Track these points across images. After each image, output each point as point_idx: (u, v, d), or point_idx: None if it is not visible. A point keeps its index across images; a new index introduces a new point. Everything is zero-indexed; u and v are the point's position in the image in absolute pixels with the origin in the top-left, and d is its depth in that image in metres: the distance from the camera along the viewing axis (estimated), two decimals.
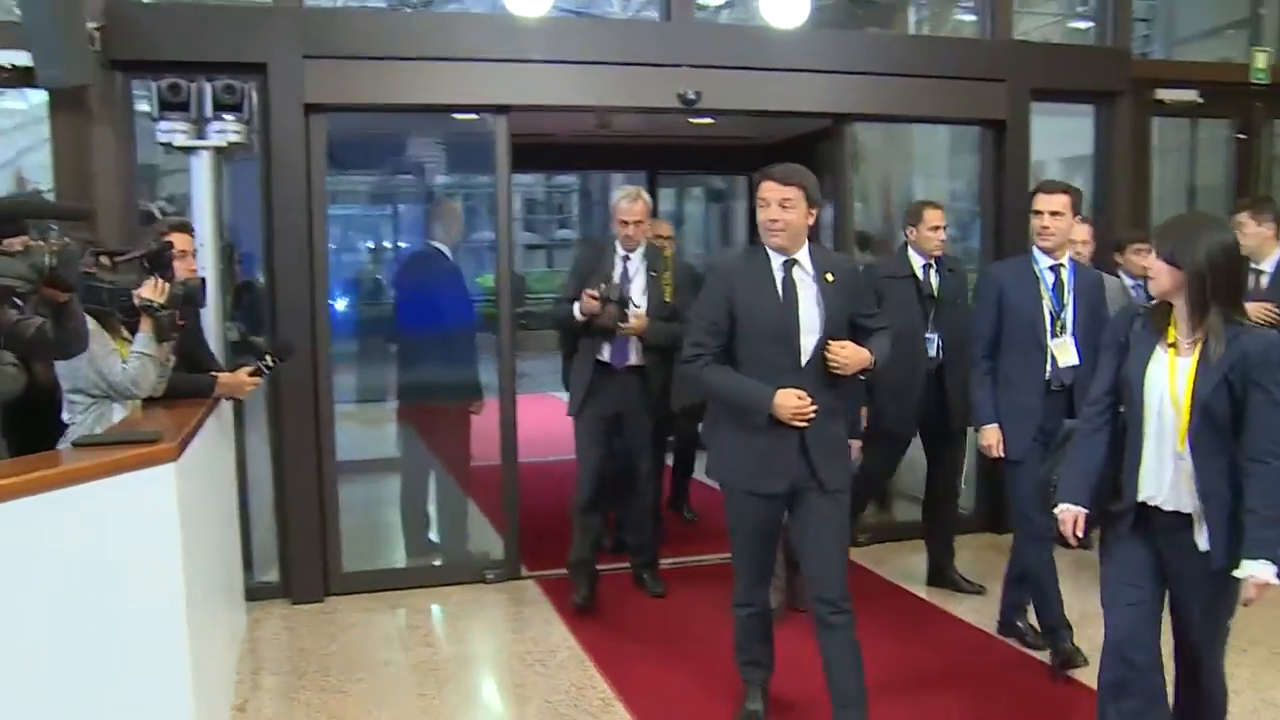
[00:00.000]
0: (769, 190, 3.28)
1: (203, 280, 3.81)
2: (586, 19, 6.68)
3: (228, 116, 4.79)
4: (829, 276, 3.32)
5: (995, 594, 4.68)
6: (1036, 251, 4.14)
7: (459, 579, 5.39)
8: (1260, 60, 6.60)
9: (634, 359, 4.83)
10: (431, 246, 5.80)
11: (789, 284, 3.31)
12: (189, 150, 4.81)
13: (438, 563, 5.62)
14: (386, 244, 7.51)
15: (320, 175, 5.07)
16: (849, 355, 3.28)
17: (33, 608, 2.45)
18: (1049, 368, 4.06)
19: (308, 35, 4.96)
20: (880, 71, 5.79)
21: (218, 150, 4.82)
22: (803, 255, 3.33)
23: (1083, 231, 4.84)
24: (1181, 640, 2.87)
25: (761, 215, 3.29)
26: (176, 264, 3.66)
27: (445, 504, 5.80)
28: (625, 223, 4.81)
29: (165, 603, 2.85)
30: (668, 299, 4.86)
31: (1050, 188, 4.13)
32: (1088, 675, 3.87)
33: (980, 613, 4.80)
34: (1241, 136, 6.67)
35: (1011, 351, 4.14)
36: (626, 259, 4.87)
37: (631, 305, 4.75)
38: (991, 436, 4.17)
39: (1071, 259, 4.19)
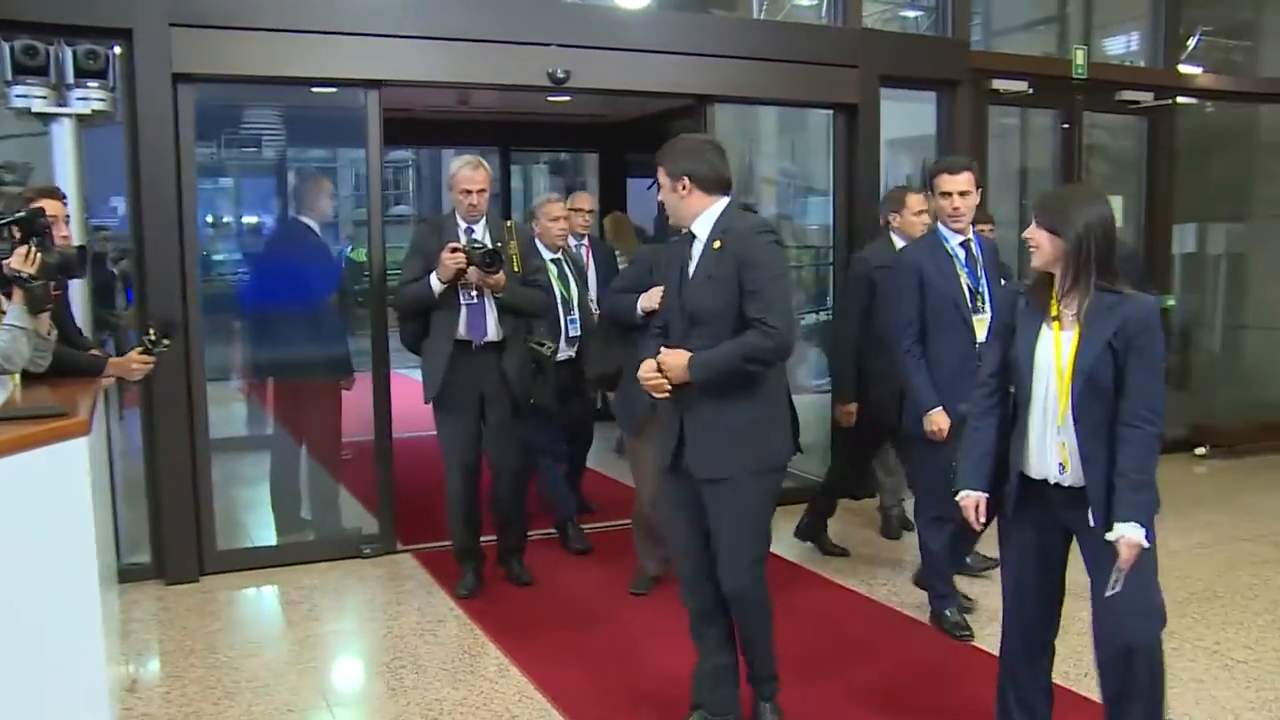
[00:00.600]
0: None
1: (80, 248, 3.66)
2: None
3: (91, 83, 4.64)
4: (716, 244, 3.16)
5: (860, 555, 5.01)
6: (943, 230, 4.19)
7: (335, 555, 5.39)
8: (1079, 57, 7.17)
9: (492, 334, 4.67)
10: (299, 222, 5.73)
11: (683, 257, 3.26)
12: (48, 117, 4.64)
13: (311, 538, 5.59)
14: (253, 218, 7.31)
15: (189, 147, 4.94)
16: (666, 365, 3.17)
17: None
18: (976, 344, 4.03)
19: (176, 1, 4.82)
20: (742, 55, 6.01)
21: (79, 118, 4.67)
22: (700, 224, 3.20)
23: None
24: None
25: None
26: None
27: (317, 481, 5.76)
28: (468, 191, 4.62)
29: (78, 582, 2.80)
30: (516, 269, 4.71)
31: (954, 167, 4.17)
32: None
33: (847, 574, 5.13)
34: (1065, 125, 7.21)
35: (937, 332, 4.14)
36: (470, 231, 4.69)
37: (502, 251, 4.57)
38: (940, 420, 4.10)
39: (975, 232, 4.25)
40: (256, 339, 6.06)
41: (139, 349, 3.79)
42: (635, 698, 3.79)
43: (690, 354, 3.14)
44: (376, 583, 5.10)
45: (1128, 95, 7.39)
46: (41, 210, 3.52)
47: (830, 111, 6.49)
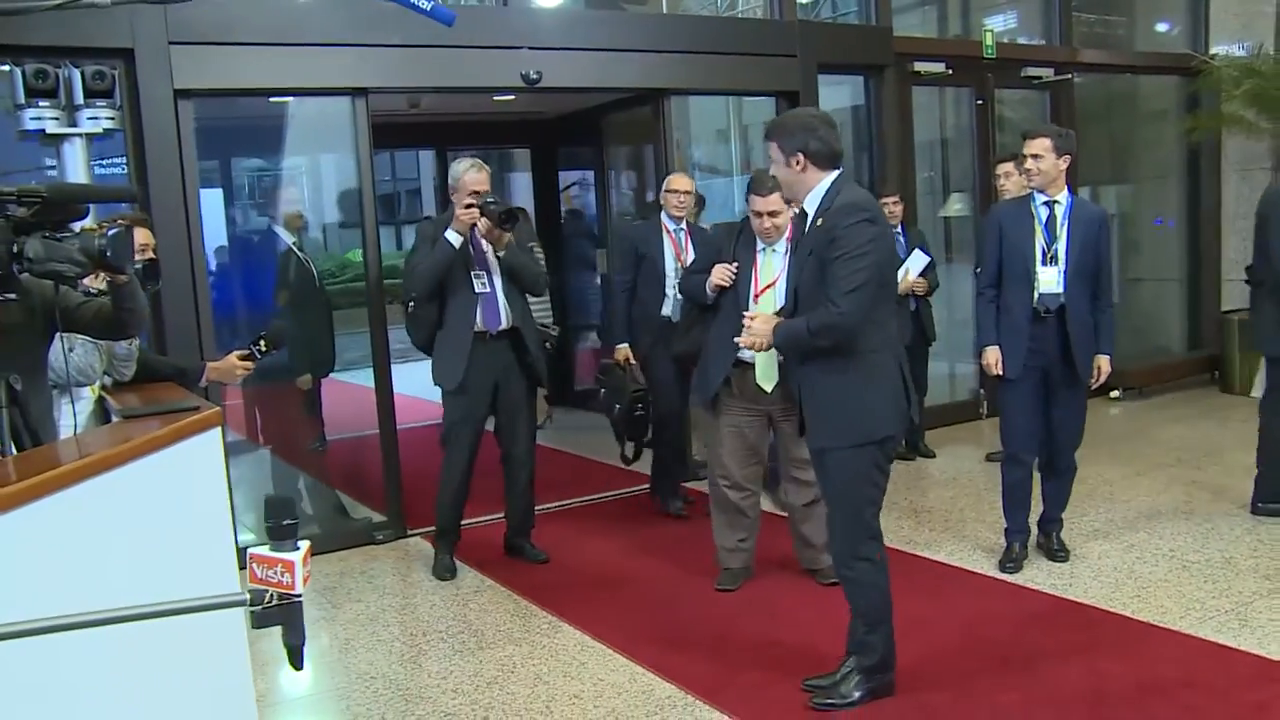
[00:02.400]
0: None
1: (154, 262, 3.82)
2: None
3: (100, 103, 4.80)
4: (820, 220, 3.32)
5: None
6: (1035, 192, 4.61)
7: (349, 544, 5.63)
8: (989, 39, 7.79)
9: (505, 321, 4.89)
10: (272, 230, 5.95)
11: (798, 230, 3.77)
12: (60, 138, 4.78)
13: (317, 531, 5.82)
14: (234, 226, 7.42)
15: (192, 160, 5.12)
16: (753, 330, 3.47)
17: (113, 578, 2.39)
18: (1035, 295, 4.55)
19: (174, 21, 4.99)
20: (692, 50, 6.43)
21: (88, 137, 4.82)
22: (810, 199, 3.34)
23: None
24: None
25: None
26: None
27: (317, 476, 5.99)
28: (477, 193, 4.75)
29: (222, 567, 3.01)
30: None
31: (1031, 133, 4.63)
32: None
33: None
34: (979, 102, 7.83)
35: (1009, 283, 4.63)
36: (474, 228, 4.84)
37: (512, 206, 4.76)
38: (990, 356, 4.64)
39: (1073, 196, 4.64)
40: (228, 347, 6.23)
41: (242, 354, 3.92)
42: (685, 635, 4.19)
43: (777, 320, 3.41)
44: (401, 564, 5.37)
45: (1032, 72, 8.04)
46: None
47: (774, 98, 6.95)
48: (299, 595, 1.63)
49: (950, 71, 7.53)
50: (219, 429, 3.07)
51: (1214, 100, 8.71)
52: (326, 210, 9.69)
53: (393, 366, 5.73)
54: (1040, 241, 4.59)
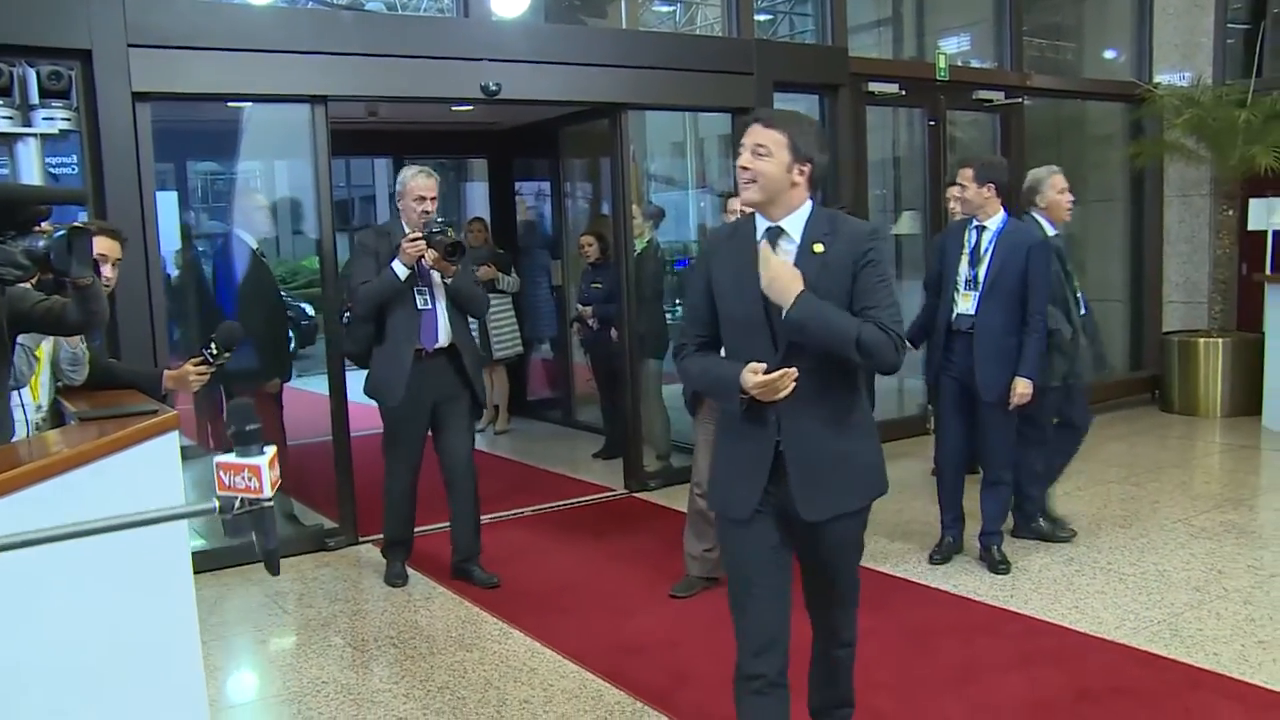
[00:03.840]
0: (748, 134, 2.73)
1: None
2: (397, 15, 6.98)
3: (55, 103, 4.78)
4: (816, 247, 2.71)
5: None
6: (971, 217, 4.92)
7: (300, 550, 5.62)
8: (942, 61, 7.96)
9: (444, 339, 4.86)
10: (236, 235, 5.94)
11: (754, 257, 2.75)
12: (12, 137, 4.75)
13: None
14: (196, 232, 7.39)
15: (149, 163, 5.10)
16: (773, 273, 2.66)
17: (72, 576, 2.44)
18: (954, 314, 4.87)
19: (132, 23, 4.98)
20: (651, 65, 6.51)
21: (42, 137, 4.80)
22: (792, 221, 2.75)
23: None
24: None
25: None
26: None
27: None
28: (422, 198, 4.78)
29: (176, 569, 3.02)
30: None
31: (959, 163, 5.07)
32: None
33: None
34: (932, 123, 7.99)
35: (942, 298, 4.96)
36: (430, 225, 4.80)
37: (460, 234, 4.80)
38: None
39: (1008, 219, 4.84)
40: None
41: (196, 360, 3.73)
42: (637, 642, 4.25)
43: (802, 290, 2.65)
44: (352, 570, 5.37)
45: (983, 95, 8.22)
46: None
47: (730, 114, 7.04)
48: (269, 500, 1.63)
49: (904, 92, 7.69)
50: (175, 432, 3.09)
51: (1157, 127, 8.96)
52: (282, 216, 9.65)
53: (346, 373, 5.74)
54: (964, 264, 4.85)
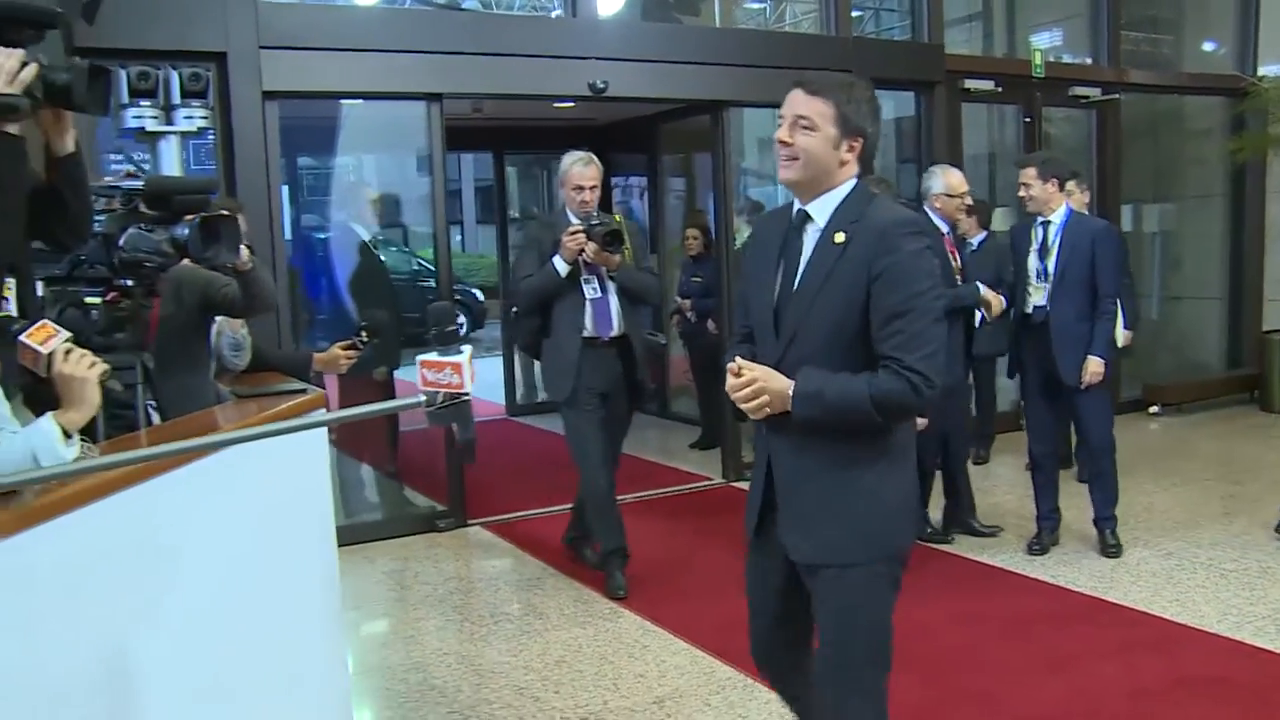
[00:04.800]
0: (788, 103, 2.37)
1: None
2: (509, 16, 7.22)
3: (195, 103, 5.07)
4: (838, 237, 2.32)
5: None
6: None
7: (413, 530, 5.87)
8: (1038, 58, 7.96)
9: (616, 328, 4.73)
10: (349, 229, 6.22)
11: (790, 246, 2.42)
12: (155, 135, 5.05)
13: (380, 517, 6.07)
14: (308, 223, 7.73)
15: (275, 158, 5.40)
16: (760, 389, 2.31)
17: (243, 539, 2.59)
18: (1030, 306, 5.05)
19: (264, 26, 5.26)
20: (752, 64, 6.63)
21: (182, 135, 5.10)
22: (822, 204, 2.37)
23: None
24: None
25: None
26: None
27: (379, 466, 6.24)
28: (581, 188, 4.68)
29: (323, 544, 3.24)
30: (629, 261, 4.73)
31: (1019, 163, 5.21)
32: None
33: None
34: (1027, 119, 8.00)
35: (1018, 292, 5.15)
36: (589, 217, 4.68)
37: (619, 226, 4.59)
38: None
39: (1070, 213, 5.03)
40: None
41: (345, 344, 4.01)
42: (743, 620, 4.37)
43: (792, 381, 2.31)
44: (464, 551, 5.61)
45: (1079, 91, 8.19)
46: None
47: None
48: (468, 394, 1.76)
49: (1000, 89, 7.71)
50: (323, 409, 3.31)
51: (1260, 121, 8.83)
52: (396, 210, 9.94)
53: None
54: (1034, 258, 5.05)
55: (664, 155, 9.19)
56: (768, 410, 2.32)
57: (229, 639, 2.38)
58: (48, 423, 1.99)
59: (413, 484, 6.42)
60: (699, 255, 7.58)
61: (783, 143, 2.35)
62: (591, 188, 4.72)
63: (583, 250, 4.60)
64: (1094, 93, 8.28)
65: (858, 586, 2.36)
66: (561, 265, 4.63)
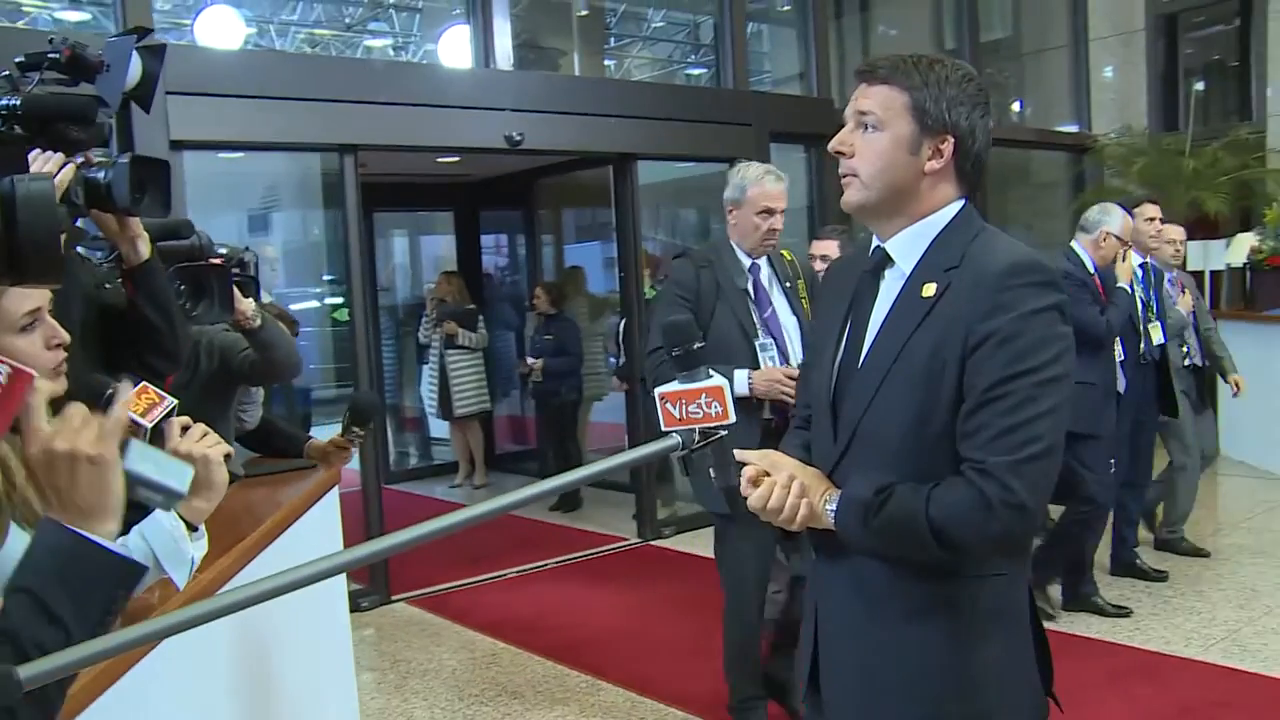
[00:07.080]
0: (854, 96, 1.69)
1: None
2: (423, 65, 6.94)
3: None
4: (927, 289, 1.61)
5: None
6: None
7: None
8: None
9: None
10: None
11: (861, 300, 1.73)
12: None
13: None
14: None
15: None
16: (765, 490, 1.61)
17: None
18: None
19: (171, 70, 4.83)
20: (656, 116, 6.61)
21: None
22: (906, 241, 1.67)
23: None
24: None
25: None
26: None
27: None
28: (770, 211, 3.28)
29: (336, 609, 3.02)
30: (805, 309, 3.44)
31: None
32: None
33: None
34: None
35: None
36: (756, 269, 3.40)
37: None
38: None
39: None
40: None
41: (340, 439, 3.21)
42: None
43: (835, 490, 1.64)
44: (402, 630, 5.19)
45: None
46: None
47: (728, 164, 7.15)
48: (727, 426, 1.36)
49: None
50: (335, 487, 3.04)
51: (1098, 175, 9.48)
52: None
53: None
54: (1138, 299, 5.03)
55: (540, 211, 9.06)
56: (802, 514, 1.62)
57: None
58: (169, 517, 1.65)
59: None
60: (550, 314, 7.48)
61: (838, 152, 1.67)
62: (781, 211, 3.38)
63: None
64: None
65: None
66: (743, 388, 3.20)
